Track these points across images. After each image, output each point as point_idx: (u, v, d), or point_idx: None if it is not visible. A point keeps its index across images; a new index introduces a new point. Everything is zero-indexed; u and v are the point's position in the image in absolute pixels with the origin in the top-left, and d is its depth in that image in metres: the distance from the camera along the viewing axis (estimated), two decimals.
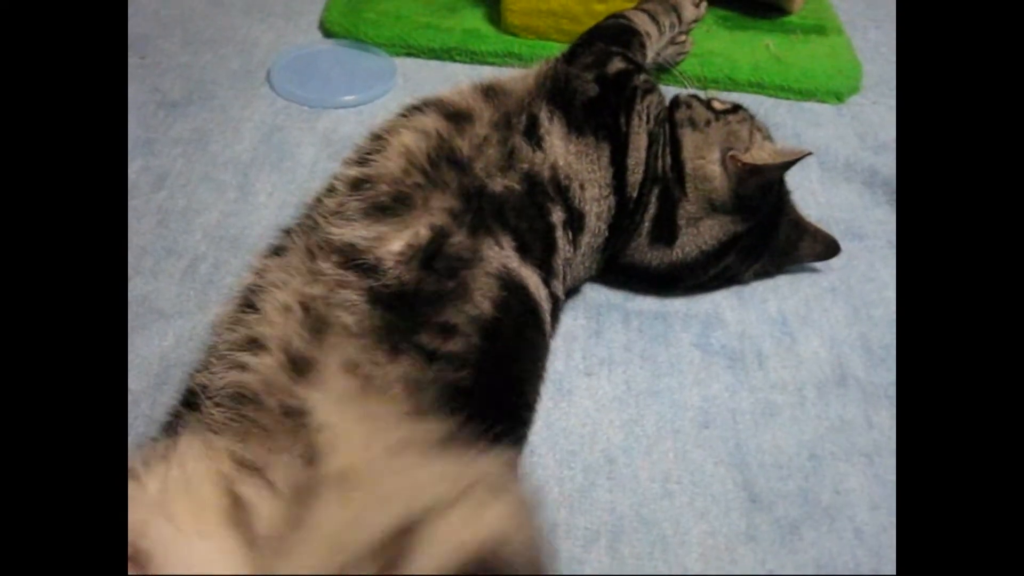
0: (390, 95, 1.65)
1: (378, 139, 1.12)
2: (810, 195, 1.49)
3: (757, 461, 1.10)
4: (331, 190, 1.08)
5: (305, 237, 1.01)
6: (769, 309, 1.30)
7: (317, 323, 0.90)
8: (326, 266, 0.95)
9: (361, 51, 1.74)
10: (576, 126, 1.15)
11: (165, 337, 1.18)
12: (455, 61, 1.76)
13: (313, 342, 0.88)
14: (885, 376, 1.23)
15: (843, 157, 1.59)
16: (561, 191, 1.11)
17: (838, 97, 1.74)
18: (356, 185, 1.05)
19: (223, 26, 1.80)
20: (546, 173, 1.11)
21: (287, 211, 1.38)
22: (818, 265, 1.36)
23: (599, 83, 1.19)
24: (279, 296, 0.93)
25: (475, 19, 1.81)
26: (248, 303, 0.96)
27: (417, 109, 1.16)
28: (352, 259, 0.95)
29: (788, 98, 1.71)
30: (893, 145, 1.66)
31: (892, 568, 1.01)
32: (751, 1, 1.89)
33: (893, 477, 1.10)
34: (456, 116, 1.13)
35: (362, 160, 1.09)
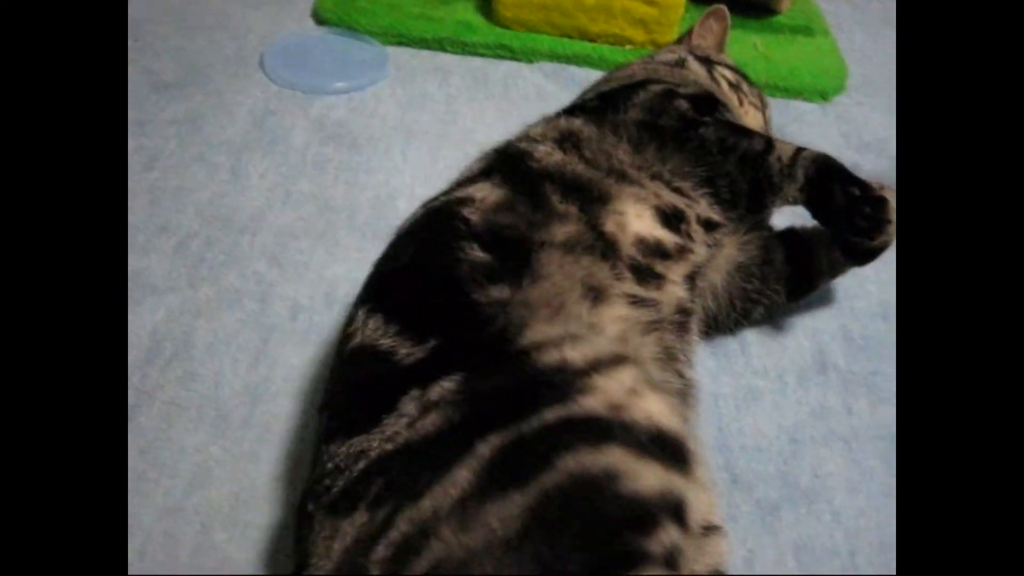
0: (382, 83, 1.67)
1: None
2: None
3: (738, 444, 1.12)
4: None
5: None
6: None
7: None
8: None
9: (354, 39, 1.76)
10: None
11: (156, 312, 1.19)
12: (447, 52, 1.78)
13: None
14: (865, 365, 1.25)
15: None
16: None
17: (823, 96, 1.77)
18: None
19: (217, 11, 1.82)
20: None
21: (278, 193, 1.39)
22: None
23: None
24: None
25: (467, 11, 1.83)
26: None
27: None
28: None
29: (774, 96, 1.73)
30: (876, 144, 1.69)
31: (868, 550, 1.03)
32: (740, 1, 1.91)
33: (871, 462, 1.13)
34: None
35: None
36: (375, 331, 0.87)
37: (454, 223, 0.94)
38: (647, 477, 0.71)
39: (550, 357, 0.79)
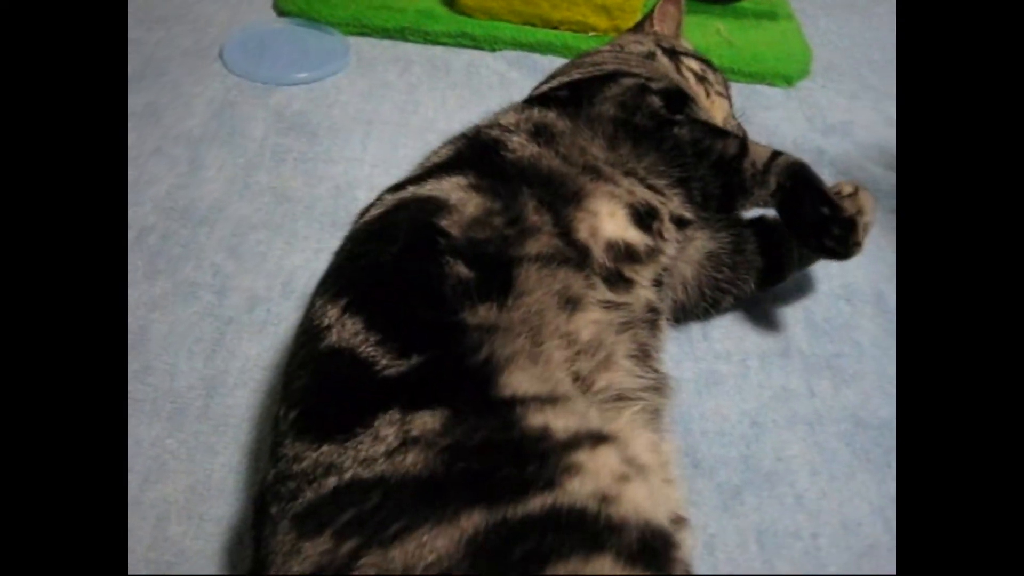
0: (343, 74, 1.66)
1: None
2: None
3: (700, 428, 1.12)
4: None
5: None
6: None
7: None
8: None
9: (314, 30, 1.74)
10: None
11: None
12: (408, 41, 1.77)
13: None
14: (827, 348, 1.25)
15: (791, 138, 1.62)
16: None
17: (788, 81, 1.77)
18: None
19: (176, 3, 1.80)
20: None
21: (236, 184, 1.38)
22: None
23: None
24: None
25: (428, 0, 1.81)
26: None
27: None
28: None
29: (739, 81, 1.73)
30: (840, 127, 1.69)
31: (830, 532, 1.03)
32: None
33: (833, 444, 1.13)
34: None
35: None
36: (355, 335, 0.84)
37: (434, 235, 0.92)
38: None
39: (535, 421, 0.77)
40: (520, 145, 1.05)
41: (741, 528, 1.03)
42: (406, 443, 0.75)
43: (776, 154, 1.17)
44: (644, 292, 1.03)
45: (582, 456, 0.76)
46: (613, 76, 1.20)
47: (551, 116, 1.11)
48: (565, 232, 0.98)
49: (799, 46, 1.85)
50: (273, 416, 0.89)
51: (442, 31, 1.75)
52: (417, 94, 1.64)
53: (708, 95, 1.37)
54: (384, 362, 0.81)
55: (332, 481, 0.75)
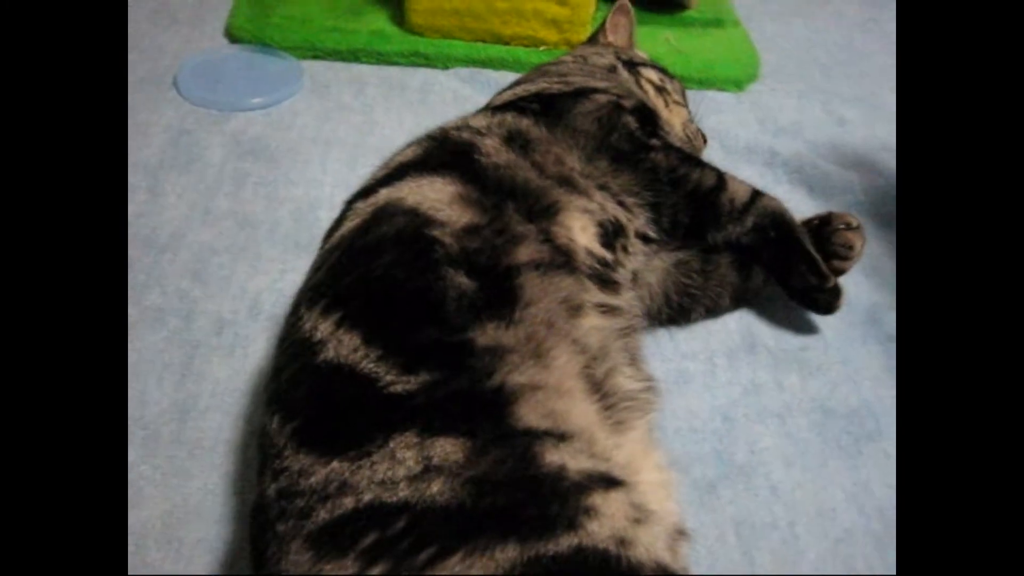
0: (298, 96, 1.66)
1: None
2: None
3: (672, 426, 1.13)
4: None
5: None
6: None
7: None
8: None
9: (268, 55, 1.75)
10: None
11: None
12: (362, 62, 1.78)
13: None
14: (793, 342, 1.27)
15: (744, 140, 1.65)
16: None
17: (737, 85, 1.81)
18: None
19: (128, 33, 1.79)
20: None
21: (197, 210, 1.38)
22: None
23: None
24: None
25: (380, 21, 1.83)
26: None
27: None
28: None
29: (690, 87, 1.75)
30: (791, 128, 1.72)
31: (806, 520, 1.05)
32: None
33: (805, 435, 1.15)
34: None
35: None
36: (354, 351, 0.83)
37: (429, 245, 0.91)
38: None
39: (552, 459, 0.78)
40: (494, 149, 1.06)
41: (719, 522, 1.04)
42: (429, 470, 0.75)
43: (757, 194, 1.21)
44: (628, 295, 1.05)
45: (597, 499, 0.77)
46: (584, 92, 1.22)
47: (526, 123, 1.12)
48: (548, 240, 0.98)
49: (747, 51, 1.89)
50: (260, 429, 0.87)
51: (395, 51, 1.76)
52: (373, 114, 1.65)
53: (667, 105, 1.40)
54: (389, 378, 0.80)
55: (349, 502, 0.75)
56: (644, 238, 1.15)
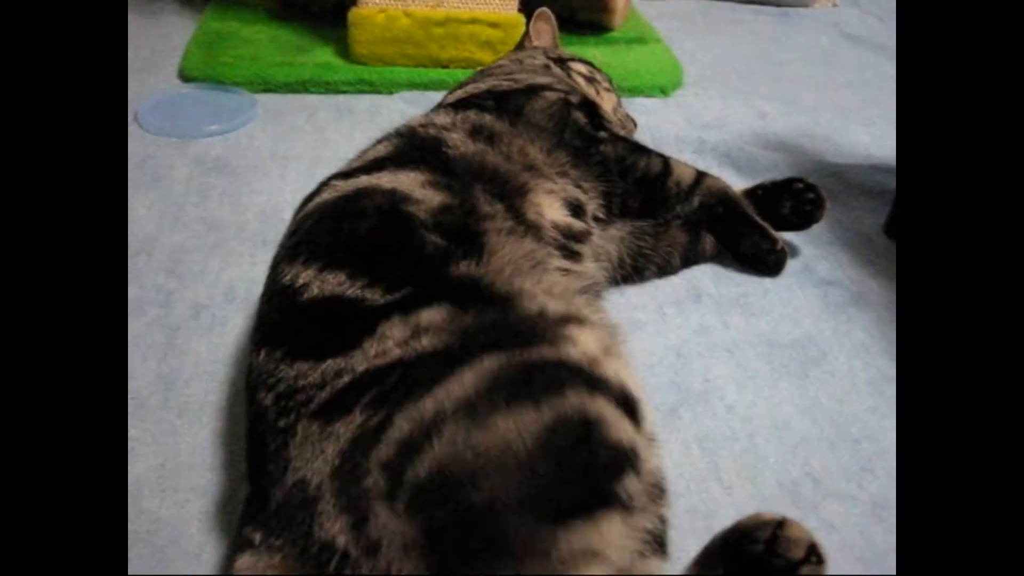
0: (253, 123, 1.76)
1: None
2: None
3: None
4: None
5: None
6: None
7: None
8: None
9: (221, 91, 1.85)
10: None
11: None
12: (311, 92, 1.88)
13: None
14: (734, 290, 1.37)
15: (673, 134, 1.77)
16: None
17: (664, 91, 1.94)
18: None
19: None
20: None
21: (167, 219, 1.45)
22: None
23: None
24: None
25: (326, 54, 1.94)
26: None
27: None
28: None
29: (619, 95, 1.88)
30: (716, 123, 1.85)
31: (764, 432, 1.12)
32: (575, 22, 2.08)
33: (754, 364, 1.23)
34: None
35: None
36: (339, 285, 0.89)
37: (405, 215, 0.98)
38: (624, 430, 0.79)
39: (531, 305, 0.87)
40: (460, 142, 1.15)
41: (683, 439, 1.11)
42: (418, 332, 0.82)
43: (701, 176, 1.36)
44: (590, 264, 1.16)
45: (573, 330, 0.85)
46: (534, 88, 1.34)
47: (488, 118, 1.23)
48: (516, 216, 1.07)
49: (670, 62, 2.03)
50: (247, 369, 0.94)
51: (341, 80, 1.87)
52: (326, 134, 1.75)
53: (598, 92, 1.52)
54: (375, 297, 0.87)
55: (345, 379, 0.81)
56: (596, 219, 1.25)
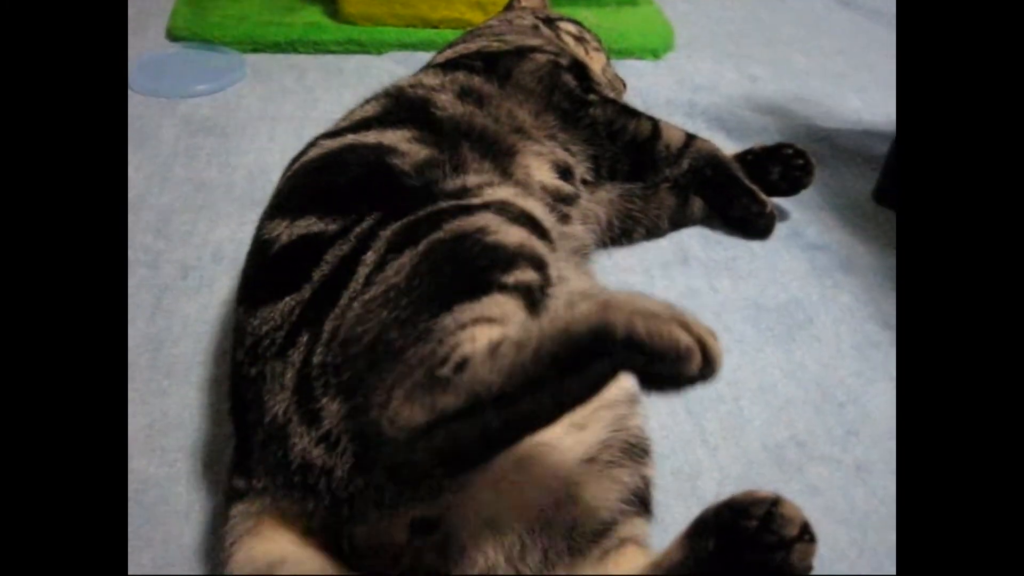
0: (242, 83, 1.75)
1: None
2: None
3: None
4: None
5: None
6: None
7: None
8: None
9: (209, 50, 1.83)
10: None
11: None
12: (299, 52, 1.87)
13: None
14: (722, 254, 1.37)
15: (664, 97, 1.77)
16: None
17: (654, 54, 1.93)
18: None
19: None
20: None
21: (155, 179, 1.44)
22: None
23: None
24: None
25: (314, 14, 1.93)
26: None
27: None
28: None
29: (611, 58, 1.87)
30: (707, 86, 1.85)
31: (750, 394, 1.13)
32: None
33: (740, 327, 1.23)
34: None
35: None
36: (307, 227, 0.90)
37: (388, 167, 0.97)
38: (512, 235, 0.81)
39: (453, 184, 0.90)
40: (449, 103, 1.14)
41: (670, 402, 1.11)
42: (344, 246, 0.85)
43: (691, 138, 1.36)
44: (579, 227, 1.17)
45: (487, 190, 0.92)
46: (523, 50, 1.33)
47: (478, 80, 1.22)
48: (505, 176, 1.07)
49: (661, 25, 2.01)
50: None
51: (331, 40, 1.86)
52: (314, 94, 1.74)
53: (587, 52, 1.51)
54: (333, 228, 0.88)
55: (297, 311, 0.82)
56: (585, 182, 1.25)
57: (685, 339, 0.63)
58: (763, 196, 1.37)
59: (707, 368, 0.65)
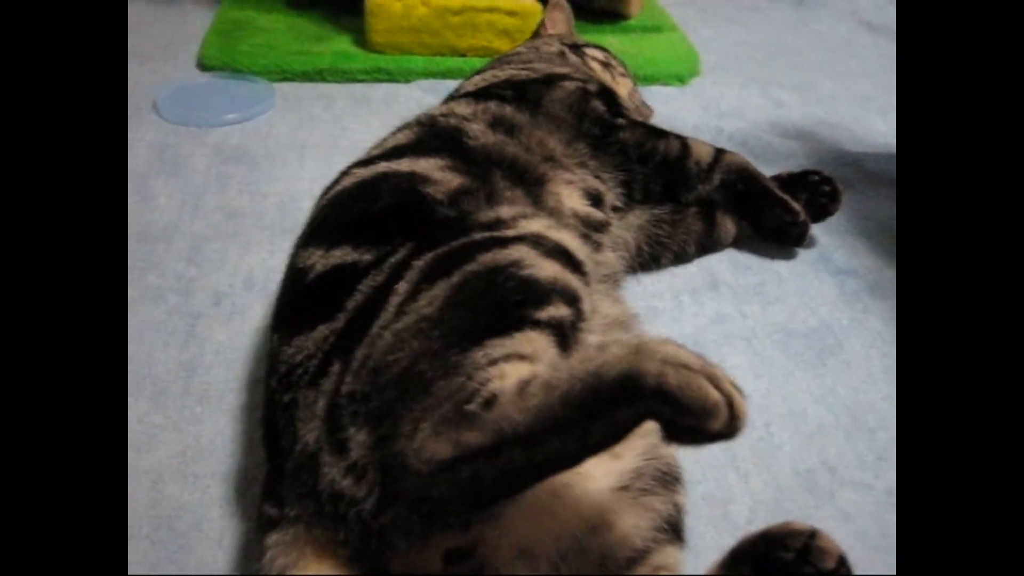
0: (271, 112, 1.77)
1: None
2: None
3: None
4: None
5: None
6: None
7: None
8: None
9: (239, 80, 1.86)
10: None
11: None
12: (328, 81, 1.89)
13: None
14: (751, 279, 1.37)
15: (691, 123, 1.77)
16: None
17: (680, 80, 1.94)
18: None
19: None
20: None
21: (187, 208, 1.46)
22: None
23: None
24: None
25: (343, 43, 1.95)
26: None
27: None
28: None
29: (637, 84, 1.88)
30: (733, 112, 1.85)
31: (780, 422, 1.12)
32: (592, 11, 2.08)
33: (770, 352, 1.23)
34: None
35: None
36: (342, 257, 0.92)
37: (418, 197, 0.99)
38: (545, 269, 0.81)
39: (487, 216, 0.91)
40: (481, 132, 1.16)
41: None
42: (378, 276, 0.87)
43: (720, 152, 1.36)
44: (610, 254, 1.18)
45: (522, 222, 0.91)
46: (552, 79, 1.34)
47: (509, 109, 1.23)
48: (536, 204, 1.09)
49: (686, 51, 2.02)
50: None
51: (359, 69, 1.88)
52: (343, 122, 1.75)
53: (613, 78, 1.53)
54: (368, 258, 0.89)
55: (331, 340, 0.83)
56: (615, 208, 1.26)
57: (714, 395, 0.63)
58: (795, 205, 1.37)
59: (731, 426, 0.64)
